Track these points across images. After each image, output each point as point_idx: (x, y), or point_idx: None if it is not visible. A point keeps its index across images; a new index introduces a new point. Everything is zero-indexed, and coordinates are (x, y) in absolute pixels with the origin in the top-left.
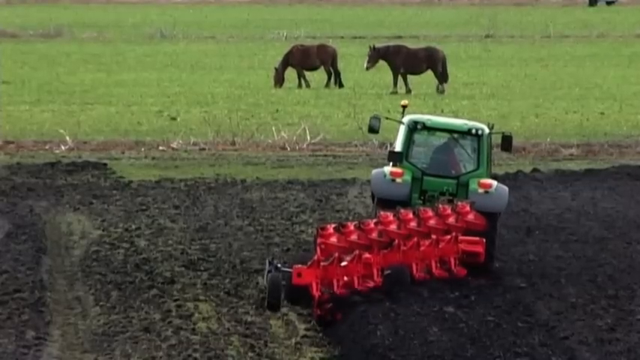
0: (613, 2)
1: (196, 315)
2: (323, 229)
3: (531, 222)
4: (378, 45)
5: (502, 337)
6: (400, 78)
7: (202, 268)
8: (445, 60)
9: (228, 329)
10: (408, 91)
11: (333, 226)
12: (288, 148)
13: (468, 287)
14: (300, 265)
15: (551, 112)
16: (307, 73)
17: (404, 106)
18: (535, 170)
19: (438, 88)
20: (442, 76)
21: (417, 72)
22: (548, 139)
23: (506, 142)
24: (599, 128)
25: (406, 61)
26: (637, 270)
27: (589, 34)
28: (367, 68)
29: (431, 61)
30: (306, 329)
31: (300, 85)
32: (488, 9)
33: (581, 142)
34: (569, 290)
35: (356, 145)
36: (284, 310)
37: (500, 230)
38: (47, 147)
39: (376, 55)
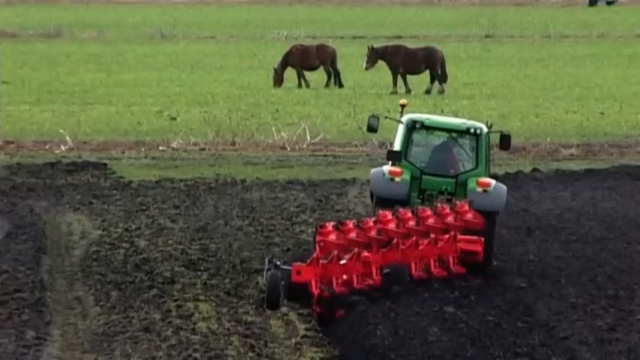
0: (613, 2)
1: (196, 315)
2: (322, 226)
3: (531, 222)
4: (376, 45)
5: (502, 337)
6: (400, 78)
7: (202, 268)
8: (444, 60)
9: (228, 329)
10: (408, 90)
11: (332, 224)
12: (288, 148)
13: (468, 287)
14: (299, 263)
15: (551, 112)
16: (307, 73)
17: (402, 106)
18: (535, 170)
19: (428, 89)
20: (441, 77)
21: (415, 72)
22: (548, 139)
23: (505, 141)
24: (599, 128)
25: (405, 61)
26: (637, 270)
27: (589, 34)
28: (366, 69)
29: (430, 62)
30: (306, 329)
31: (300, 85)
32: (488, 9)
33: (581, 142)
34: (569, 290)
35: (356, 145)
36: (284, 310)
37: (500, 230)
38: (47, 147)
39: (375, 56)
